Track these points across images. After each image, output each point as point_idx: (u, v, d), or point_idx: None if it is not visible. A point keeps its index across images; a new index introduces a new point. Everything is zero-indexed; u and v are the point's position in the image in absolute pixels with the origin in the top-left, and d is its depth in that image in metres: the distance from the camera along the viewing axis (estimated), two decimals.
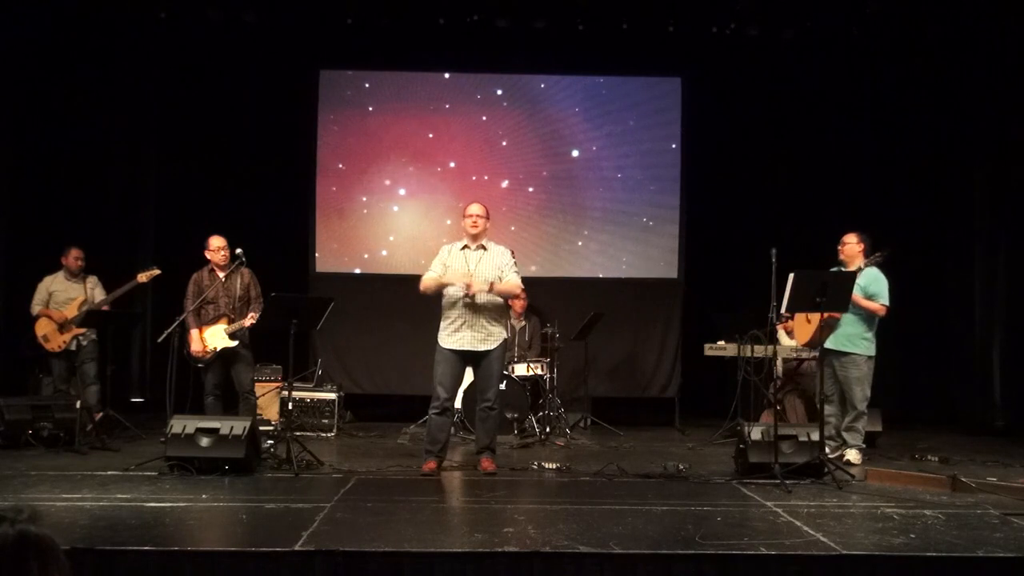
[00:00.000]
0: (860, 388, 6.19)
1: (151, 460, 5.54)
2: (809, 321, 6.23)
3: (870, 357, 6.22)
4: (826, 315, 5.86)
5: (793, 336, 7.08)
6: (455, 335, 5.66)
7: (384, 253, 9.05)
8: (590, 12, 8.54)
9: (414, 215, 9.07)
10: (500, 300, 5.77)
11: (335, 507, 4.47)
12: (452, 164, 9.10)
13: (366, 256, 9.05)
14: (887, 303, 6.20)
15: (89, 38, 8.43)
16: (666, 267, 9.09)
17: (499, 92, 9.17)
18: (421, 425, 7.64)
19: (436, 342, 5.76)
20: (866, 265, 6.13)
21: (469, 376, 6.67)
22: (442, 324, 5.73)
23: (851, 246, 6.30)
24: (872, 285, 6.17)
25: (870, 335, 6.23)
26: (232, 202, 8.59)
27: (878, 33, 8.57)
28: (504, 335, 5.84)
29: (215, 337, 6.50)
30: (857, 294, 5.94)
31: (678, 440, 7.67)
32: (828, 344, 6.11)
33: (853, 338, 6.16)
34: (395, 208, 9.08)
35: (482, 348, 5.69)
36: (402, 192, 9.08)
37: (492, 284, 5.63)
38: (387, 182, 9.07)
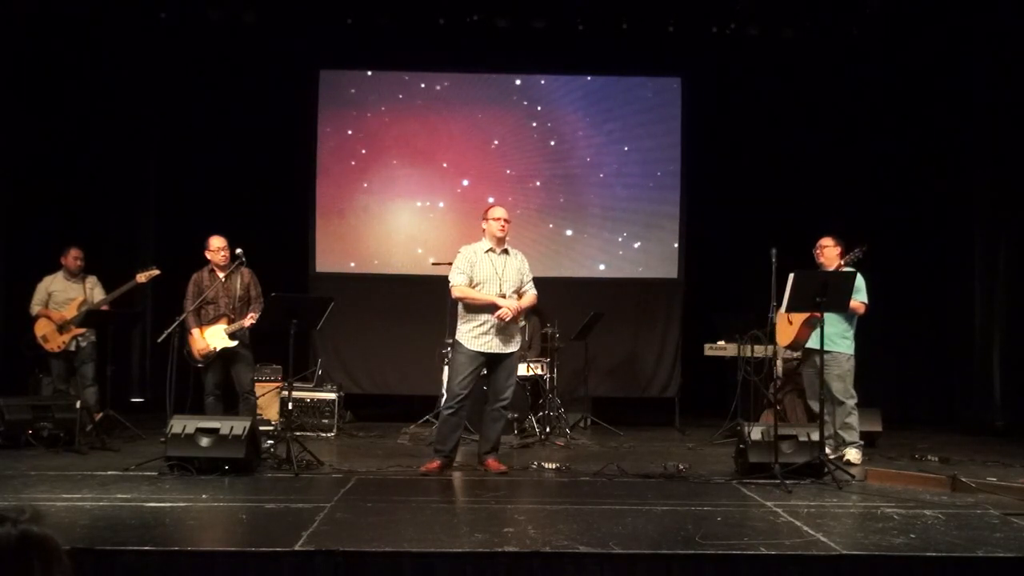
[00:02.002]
0: (840, 383, 6.20)
1: (151, 460, 5.54)
2: (791, 323, 6.23)
3: (851, 356, 6.25)
4: (807, 315, 5.87)
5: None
6: (482, 337, 5.66)
7: (384, 253, 9.05)
8: (590, 12, 8.54)
9: (414, 215, 9.07)
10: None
11: (335, 507, 4.46)
12: (452, 164, 9.10)
13: (366, 256, 9.04)
14: (867, 301, 6.23)
15: (89, 38, 8.42)
16: (666, 267, 9.08)
17: (499, 92, 9.16)
18: (421, 425, 7.65)
19: (455, 342, 5.79)
20: (846, 264, 6.13)
21: None
22: (467, 326, 5.70)
23: (831, 249, 6.29)
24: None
25: (850, 334, 6.26)
26: (232, 202, 8.59)
27: (878, 33, 8.57)
28: (522, 337, 5.87)
29: (215, 337, 6.50)
30: None
31: (678, 440, 7.67)
32: (809, 344, 6.14)
33: (833, 337, 6.14)
34: (395, 208, 9.07)
35: (508, 350, 5.74)
36: (402, 192, 9.07)
37: (520, 308, 5.77)
38: (387, 182, 9.06)
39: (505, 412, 5.86)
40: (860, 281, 6.18)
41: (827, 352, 6.05)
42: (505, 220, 5.79)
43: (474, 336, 5.66)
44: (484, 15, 8.47)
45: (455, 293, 5.73)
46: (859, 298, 6.16)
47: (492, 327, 5.63)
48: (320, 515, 4.22)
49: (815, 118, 9.01)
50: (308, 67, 8.91)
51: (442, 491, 5.30)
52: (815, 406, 6.15)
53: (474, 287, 5.69)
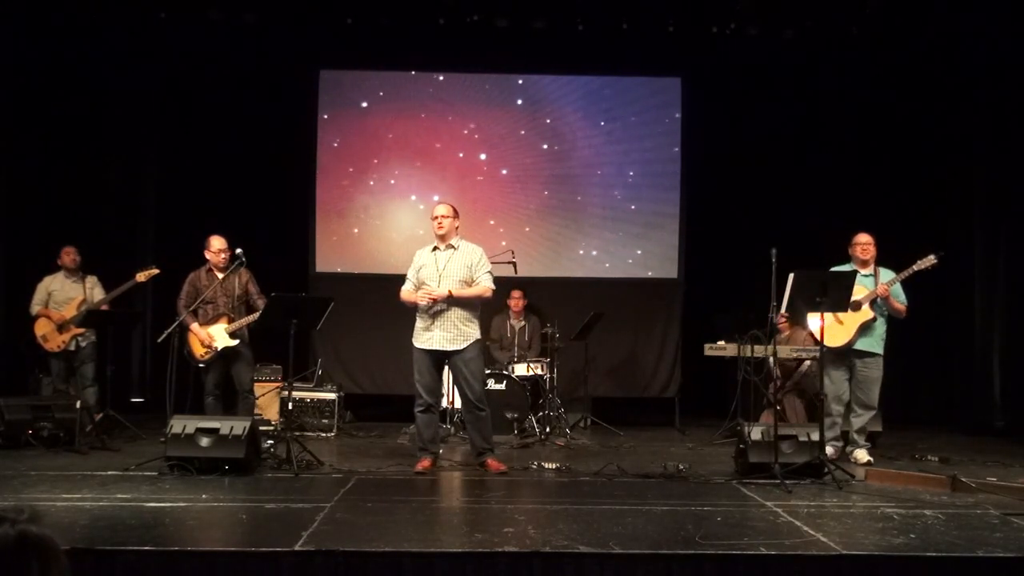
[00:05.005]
0: (878, 388, 6.25)
1: (151, 460, 5.54)
2: (842, 323, 6.14)
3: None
4: (869, 316, 5.91)
5: (792, 338, 7.15)
6: (425, 334, 5.69)
7: (384, 253, 9.04)
8: (590, 12, 8.53)
9: (414, 214, 9.06)
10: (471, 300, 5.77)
11: (335, 507, 4.46)
12: (452, 163, 9.10)
13: (366, 256, 9.04)
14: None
15: (89, 38, 8.42)
16: (666, 267, 9.08)
17: (499, 92, 9.16)
18: None
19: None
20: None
21: None
22: (416, 324, 5.77)
23: (873, 246, 6.28)
24: (897, 287, 6.20)
25: (886, 337, 6.29)
26: (232, 202, 8.57)
27: (878, 33, 8.56)
28: (477, 335, 5.76)
29: (216, 335, 6.49)
30: (892, 298, 6.04)
31: (678, 440, 7.67)
32: (859, 345, 6.14)
33: (879, 339, 6.20)
34: (395, 208, 9.07)
35: (452, 348, 5.68)
36: (402, 192, 9.08)
37: (451, 293, 5.59)
38: (387, 182, 9.08)
39: (480, 413, 5.74)
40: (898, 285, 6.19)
41: (872, 355, 6.08)
42: (442, 216, 5.75)
43: (419, 333, 5.72)
44: (484, 15, 8.47)
45: (400, 297, 5.83)
46: (903, 302, 6.18)
47: (435, 324, 5.65)
48: (320, 515, 4.22)
49: (815, 118, 9.01)
50: (308, 67, 8.92)
51: (442, 491, 5.30)
52: (838, 408, 6.15)
53: (419, 287, 5.73)
